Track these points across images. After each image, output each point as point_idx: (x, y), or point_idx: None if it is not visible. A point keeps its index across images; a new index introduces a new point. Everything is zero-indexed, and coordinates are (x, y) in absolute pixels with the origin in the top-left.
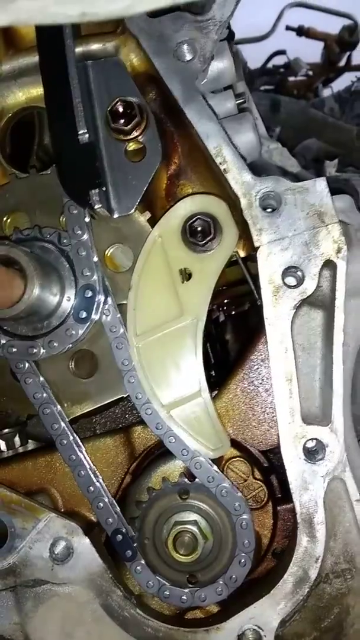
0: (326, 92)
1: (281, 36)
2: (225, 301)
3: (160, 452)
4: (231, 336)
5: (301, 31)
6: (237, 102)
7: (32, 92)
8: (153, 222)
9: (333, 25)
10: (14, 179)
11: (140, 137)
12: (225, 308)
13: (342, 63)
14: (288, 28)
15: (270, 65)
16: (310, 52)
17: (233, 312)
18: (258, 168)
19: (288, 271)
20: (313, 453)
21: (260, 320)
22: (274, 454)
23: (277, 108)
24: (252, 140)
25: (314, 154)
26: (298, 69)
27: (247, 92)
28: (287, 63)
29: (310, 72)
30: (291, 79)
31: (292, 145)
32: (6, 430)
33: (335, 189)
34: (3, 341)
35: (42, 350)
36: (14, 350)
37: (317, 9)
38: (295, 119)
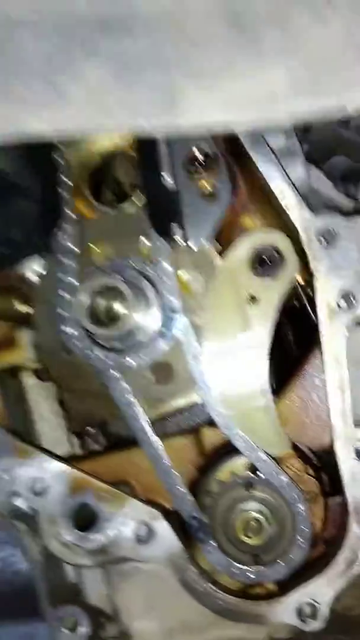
0: None
1: None
2: None
3: (226, 451)
4: None
5: None
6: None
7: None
8: (220, 251)
9: None
10: (104, 215)
11: (213, 179)
12: None
13: None
14: None
15: None
16: None
17: None
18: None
19: (342, 296)
20: None
21: (315, 337)
22: (324, 454)
23: (308, 128)
24: (301, 177)
25: (342, 173)
26: None
27: None
28: None
29: None
30: None
31: (319, 162)
32: (91, 428)
33: None
34: (99, 354)
35: (131, 363)
36: (109, 362)
37: None
38: (326, 140)
